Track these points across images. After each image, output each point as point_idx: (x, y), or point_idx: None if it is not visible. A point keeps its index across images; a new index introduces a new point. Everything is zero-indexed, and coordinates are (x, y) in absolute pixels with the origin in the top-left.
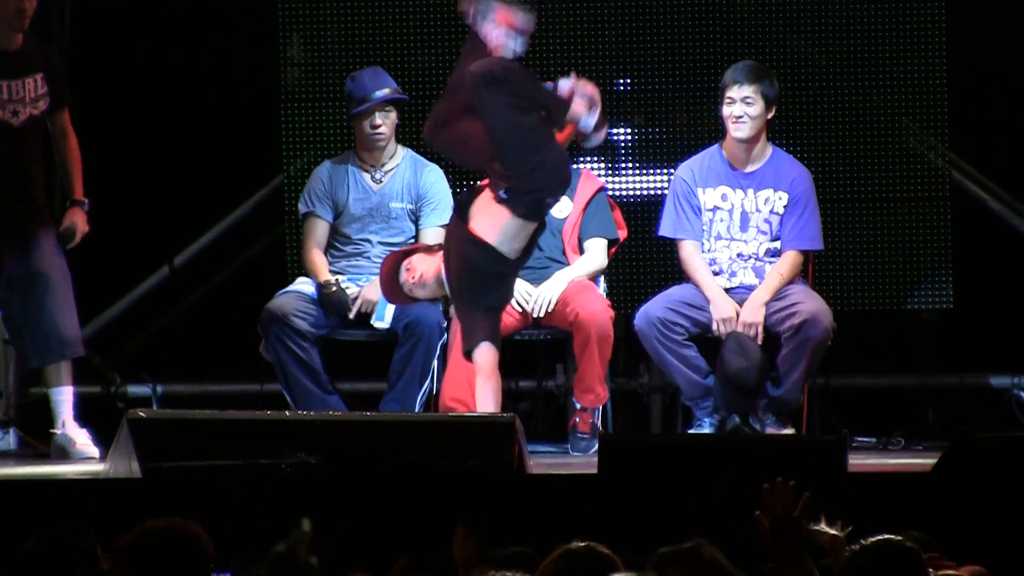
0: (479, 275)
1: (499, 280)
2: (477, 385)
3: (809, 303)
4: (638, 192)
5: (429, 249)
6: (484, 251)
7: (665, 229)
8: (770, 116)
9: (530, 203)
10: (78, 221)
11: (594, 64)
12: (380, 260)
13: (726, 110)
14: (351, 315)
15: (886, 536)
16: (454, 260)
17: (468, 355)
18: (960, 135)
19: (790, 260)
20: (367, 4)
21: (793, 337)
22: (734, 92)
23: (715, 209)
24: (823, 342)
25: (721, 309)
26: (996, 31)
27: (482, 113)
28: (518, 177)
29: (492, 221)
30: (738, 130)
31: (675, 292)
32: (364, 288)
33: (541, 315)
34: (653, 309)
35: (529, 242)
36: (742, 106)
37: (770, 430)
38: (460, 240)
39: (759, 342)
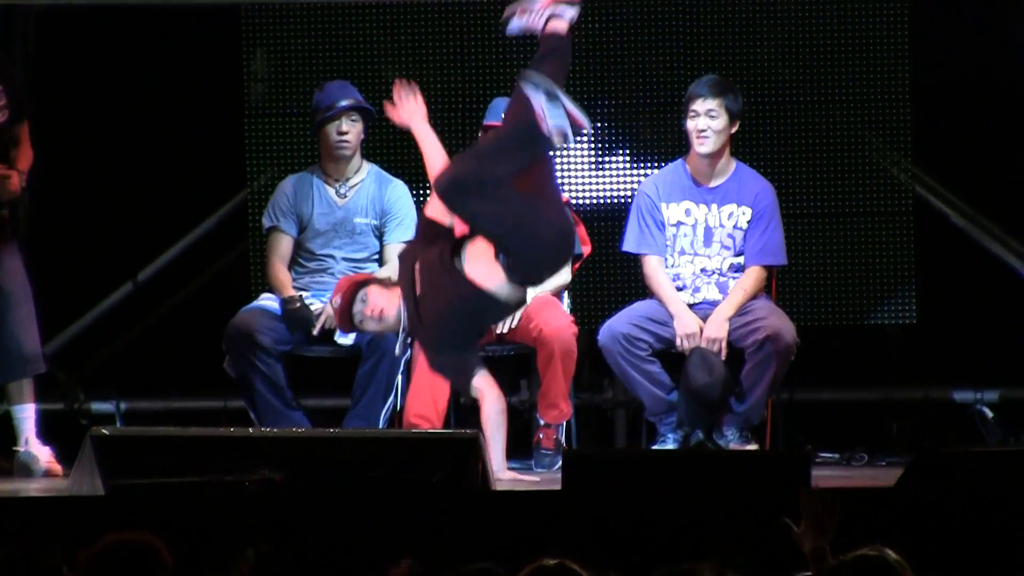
0: (472, 318)
1: (489, 320)
2: (491, 412)
3: (772, 319)
4: (602, 205)
5: (385, 282)
6: (481, 297)
7: (629, 244)
8: (734, 130)
9: (529, 274)
10: (12, 177)
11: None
12: (345, 275)
13: (690, 124)
14: (315, 331)
15: (868, 550)
16: (441, 302)
17: (466, 390)
18: (924, 149)
19: (754, 275)
20: (331, 19)
21: (757, 353)
22: (698, 106)
23: (678, 224)
24: (786, 357)
25: (685, 324)
26: (959, 45)
27: (463, 220)
28: (517, 261)
29: (488, 272)
30: (702, 144)
31: (639, 307)
32: (328, 304)
33: (505, 331)
34: (617, 325)
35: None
36: (706, 120)
37: (734, 445)
38: (451, 284)
39: (723, 357)
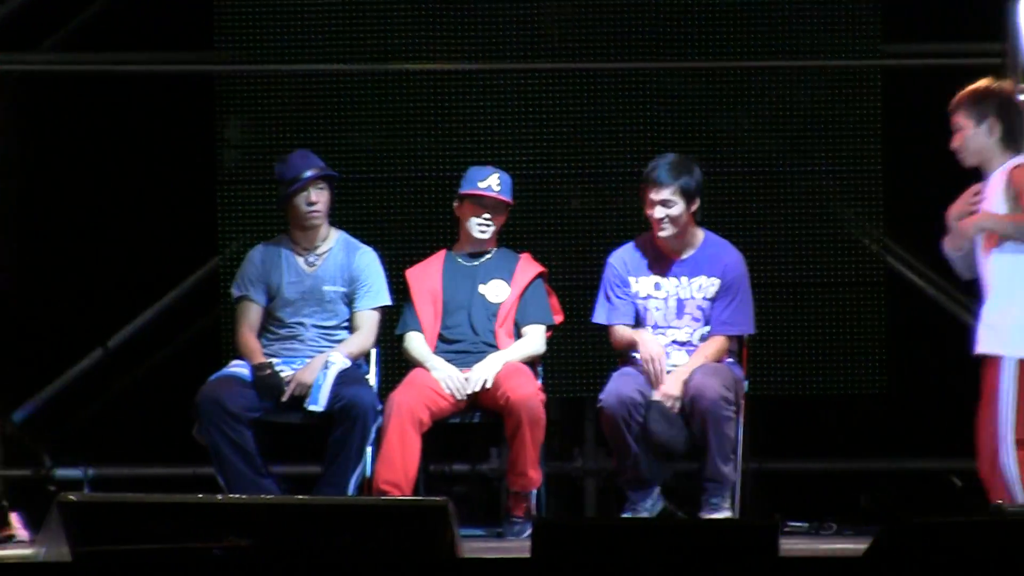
0: None
1: None
2: None
3: (698, 377)
4: (575, 277)
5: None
6: None
7: (599, 316)
8: (694, 208)
9: None
10: None
11: (530, 148)
12: (315, 343)
13: (648, 211)
14: (284, 398)
15: None
16: None
17: None
18: (895, 220)
19: (716, 344)
20: (304, 87)
21: (691, 416)
22: (653, 195)
23: (648, 298)
24: (716, 413)
25: (649, 347)
26: (932, 117)
27: None
28: None
29: None
30: (661, 231)
31: (632, 375)
32: (299, 371)
33: (478, 388)
34: (624, 389)
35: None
36: (662, 209)
37: (705, 515)
38: None
39: (675, 412)
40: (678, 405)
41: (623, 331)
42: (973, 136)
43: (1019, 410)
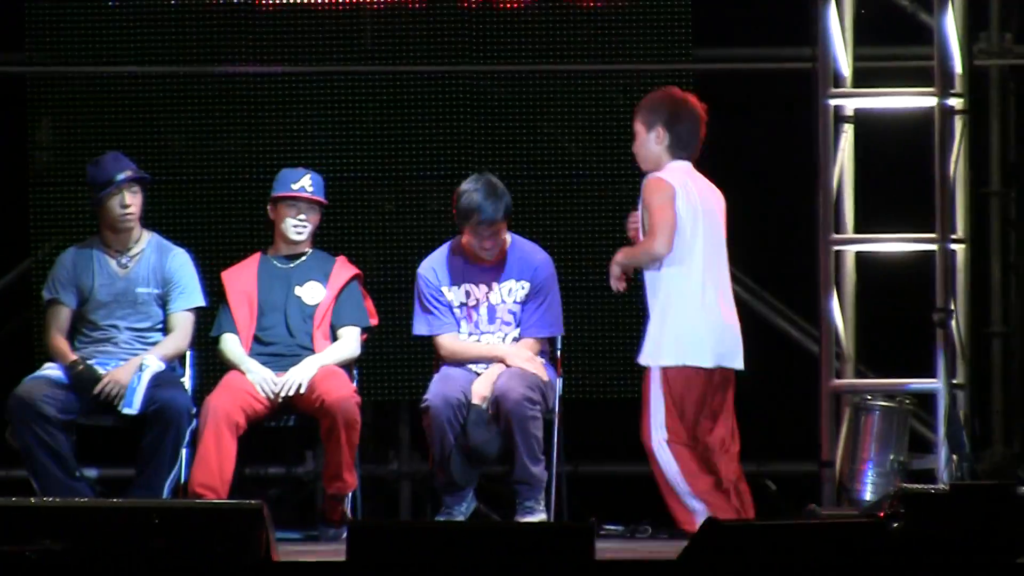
0: None
1: None
2: None
3: (503, 380)
4: (390, 280)
5: None
6: None
7: (420, 328)
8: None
9: None
10: None
11: (344, 152)
12: (129, 346)
13: (473, 241)
14: (96, 389)
15: None
16: None
17: None
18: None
19: (525, 347)
20: (116, 89)
21: (498, 418)
22: (484, 231)
23: (462, 306)
24: (521, 414)
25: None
26: (745, 122)
27: None
28: None
29: None
30: (488, 255)
31: (459, 376)
32: (114, 370)
33: (291, 394)
34: (449, 390)
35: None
36: (493, 241)
37: (520, 518)
38: None
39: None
40: (486, 405)
41: (467, 349)
42: (643, 143)
43: (667, 412)
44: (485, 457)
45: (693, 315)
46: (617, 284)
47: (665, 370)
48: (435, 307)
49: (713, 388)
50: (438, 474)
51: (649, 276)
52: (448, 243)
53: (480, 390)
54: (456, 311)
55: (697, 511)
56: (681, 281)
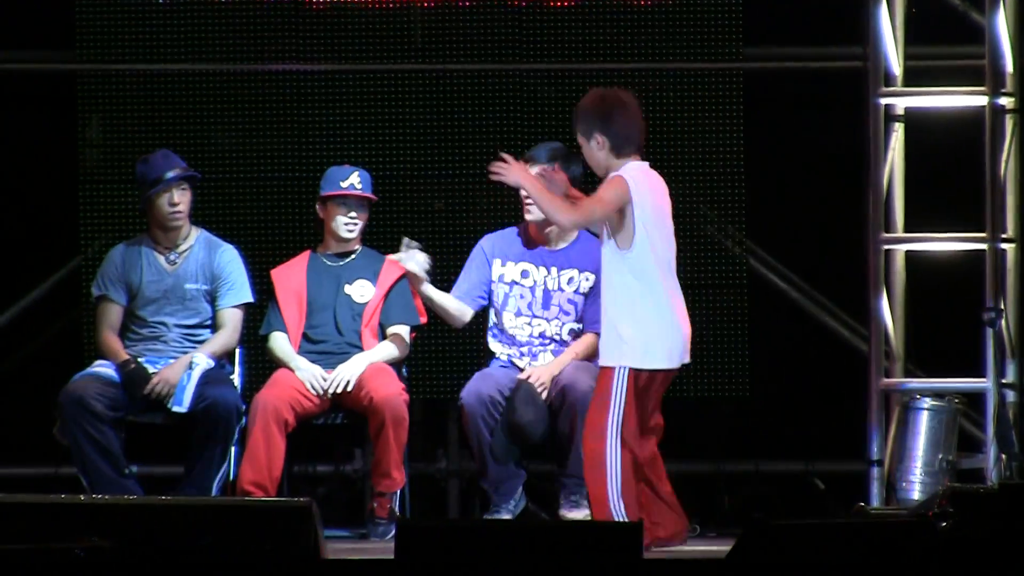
0: None
1: None
2: None
3: (570, 371)
4: (439, 278)
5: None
6: None
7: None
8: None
9: None
10: None
11: (394, 150)
12: (178, 343)
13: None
14: (147, 388)
15: None
16: None
17: None
18: (757, 223)
19: (587, 342)
20: (165, 86)
21: (560, 408)
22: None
23: (513, 284)
24: (586, 407)
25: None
26: (793, 120)
27: None
28: None
29: None
30: (528, 212)
31: (496, 373)
32: (164, 369)
33: (339, 391)
34: (484, 387)
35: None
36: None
37: (566, 512)
38: None
39: (544, 397)
40: (545, 392)
41: (447, 296)
42: (588, 154)
43: (627, 414)
44: (528, 436)
45: (660, 317)
46: (502, 173)
47: (636, 372)
48: (471, 274)
49: (661, 385)
50: (483, 473)
51: (613, 278)
52: (521, 224)
53: (541, 376)
54: (503, 287)
55: (617, 517)
56: (648, 282)
